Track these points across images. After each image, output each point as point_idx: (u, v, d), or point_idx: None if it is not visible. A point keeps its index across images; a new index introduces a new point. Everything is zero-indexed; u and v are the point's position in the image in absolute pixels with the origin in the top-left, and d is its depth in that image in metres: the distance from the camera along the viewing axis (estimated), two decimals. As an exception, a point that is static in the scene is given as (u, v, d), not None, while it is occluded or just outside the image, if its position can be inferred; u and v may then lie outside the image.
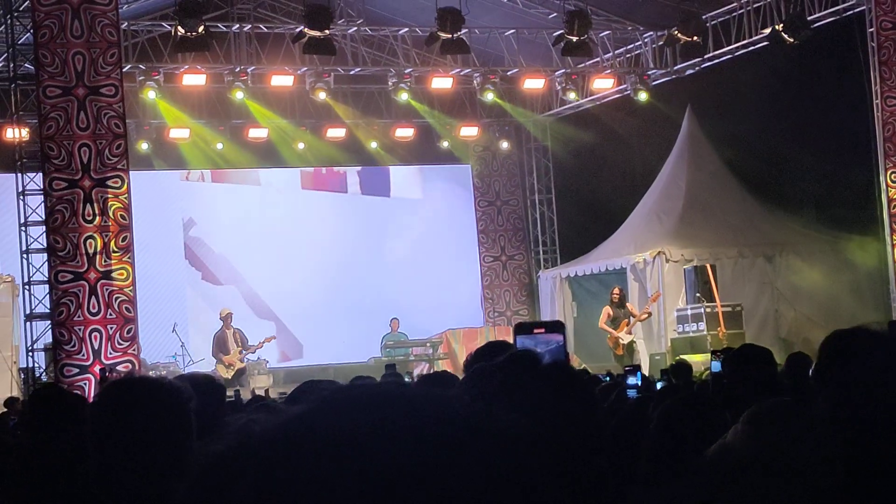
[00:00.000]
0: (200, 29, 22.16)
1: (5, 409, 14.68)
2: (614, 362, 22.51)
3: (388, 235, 29.79)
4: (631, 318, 23.41)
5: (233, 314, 24.76)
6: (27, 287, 19.32)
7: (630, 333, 23.38)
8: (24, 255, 19.41)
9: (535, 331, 3.11)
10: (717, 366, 10.17)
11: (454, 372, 21.18)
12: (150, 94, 24.93)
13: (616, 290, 23.79)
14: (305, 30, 22.96)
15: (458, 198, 31.20)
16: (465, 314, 29.46)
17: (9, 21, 20.35)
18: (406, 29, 26.14)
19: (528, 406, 2.31)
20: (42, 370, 19.63)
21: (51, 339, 18.75)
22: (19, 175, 19.77)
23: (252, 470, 1.16)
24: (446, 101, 29.29)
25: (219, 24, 24.76)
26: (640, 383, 10.99)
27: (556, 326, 3.08)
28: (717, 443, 4.16)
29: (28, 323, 19.42)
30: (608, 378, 11.17)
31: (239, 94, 25.43)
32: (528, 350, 2.72)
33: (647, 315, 23.82)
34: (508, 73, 27.25)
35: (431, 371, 22.73)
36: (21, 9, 20.15)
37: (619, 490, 3.95)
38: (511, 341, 3.17)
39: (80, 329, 18.22)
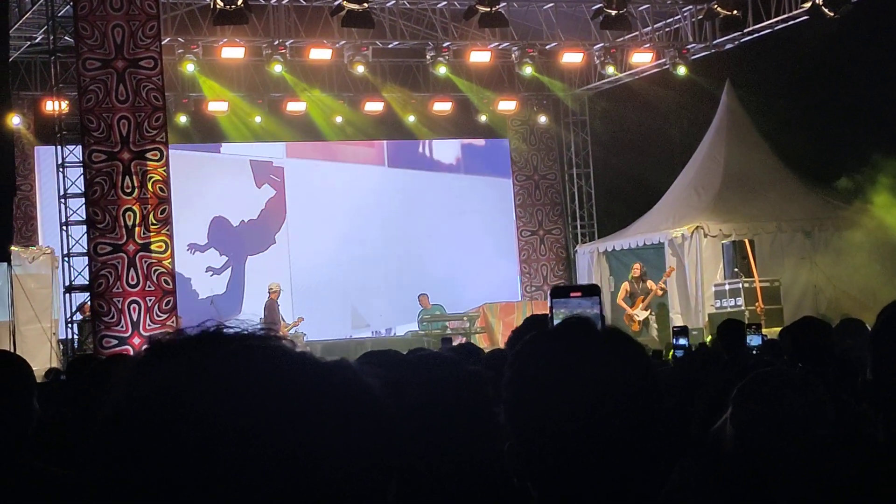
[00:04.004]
0: (239, 2, 22.15)
1: (46, 381, 14.79)
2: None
3: (425, 210, 29.76)
4: (647, 294, 23.61)
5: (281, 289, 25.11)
6: (66, 259, 19.44)
7: (647, 310, 23.55)
8: (64, 227, 19.54)
9: (572, 294, 3.10)
10: (756, 340, 10.23)
11: (491, 346, 21.22)
12: (189, 68, 24.97)
13: (637, 267, 24.09)
14: (344, 3, 22.92)
15: (496, 172, 31.14)
16: (503, 288, 29.45)
17: (49, -6, 20.43)
18: (444, 2, 26.04)
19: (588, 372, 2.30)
20: (76, 334, 19.83)
21: (90, 311, 18.90)
22: (59, 147, 19.89)
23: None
24: (484, 74, 29.22)
25: (257, -2, 24.75)
26: (688, 345, 11.06)
27: (592, 290, 3.07)
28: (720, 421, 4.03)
29: (67, 294, 19.56)
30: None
31: (277, 68, 25.43)
32: (581, 316, 2.70)
33: (662, 291, 23.94)
34: (547, 47, 27.13)
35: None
36: (61, -18, 20.23)
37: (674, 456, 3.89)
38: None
39: (118, 301, 18.34)
